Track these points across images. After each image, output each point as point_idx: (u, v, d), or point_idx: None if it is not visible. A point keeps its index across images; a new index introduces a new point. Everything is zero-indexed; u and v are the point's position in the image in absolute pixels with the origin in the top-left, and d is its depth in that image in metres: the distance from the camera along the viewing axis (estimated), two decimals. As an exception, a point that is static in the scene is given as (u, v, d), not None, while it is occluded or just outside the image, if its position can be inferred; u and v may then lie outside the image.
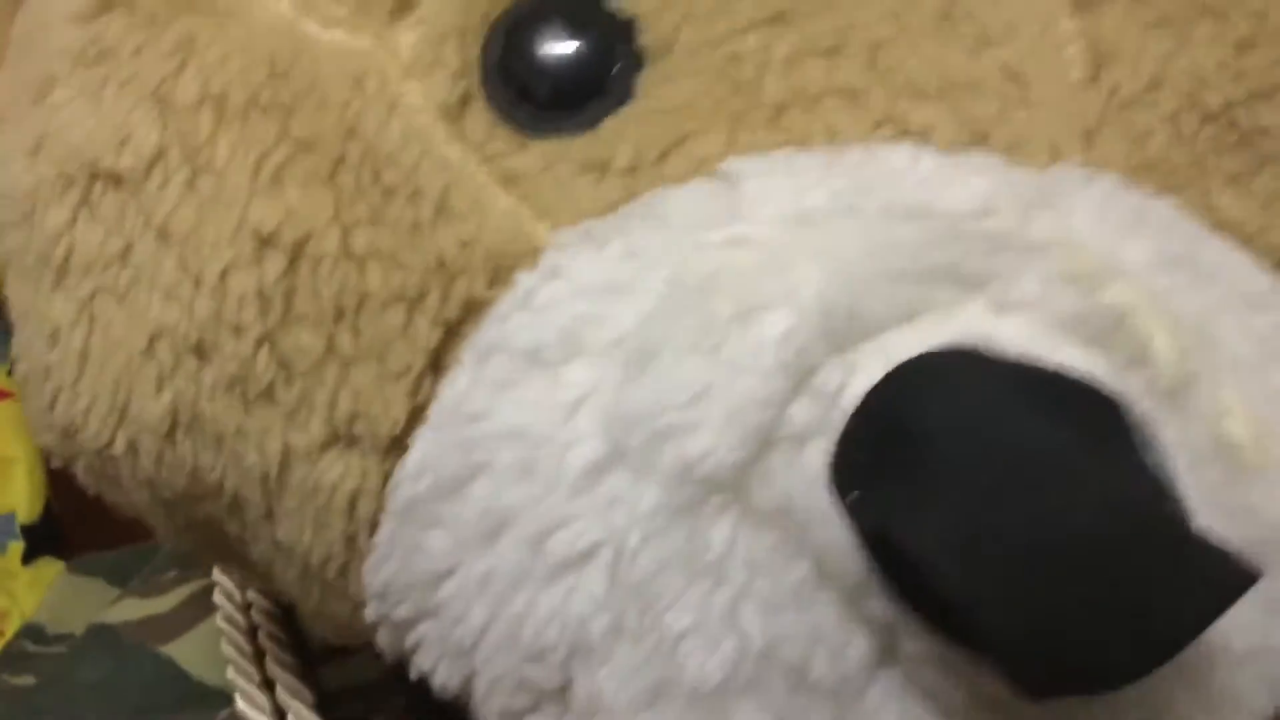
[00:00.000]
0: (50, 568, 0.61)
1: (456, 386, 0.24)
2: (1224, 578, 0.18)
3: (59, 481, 0.32)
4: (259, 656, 0.36)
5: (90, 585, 0.51)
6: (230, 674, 0.36)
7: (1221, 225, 0.25)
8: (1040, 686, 0.18)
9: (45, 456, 0.31)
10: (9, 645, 0.49)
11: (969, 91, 0.24)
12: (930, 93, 0.24)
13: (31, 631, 0.49)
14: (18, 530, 0.61)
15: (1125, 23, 0.25)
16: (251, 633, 0.37)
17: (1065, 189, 0.24)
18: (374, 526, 0.26)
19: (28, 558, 0.62)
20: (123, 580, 0.49)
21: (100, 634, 0.43)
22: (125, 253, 0.26)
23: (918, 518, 0.18)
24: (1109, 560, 0.17)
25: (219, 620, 0.38)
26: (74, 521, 0.62)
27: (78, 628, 0.47)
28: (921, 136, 0.24)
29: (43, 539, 0.62)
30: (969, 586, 0.18)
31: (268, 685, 0.35)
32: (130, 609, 0.44)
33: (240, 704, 0.34)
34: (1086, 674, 0.18)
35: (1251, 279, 0.24)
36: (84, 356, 0.27)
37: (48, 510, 0.62)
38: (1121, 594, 0.17)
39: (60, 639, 0.48)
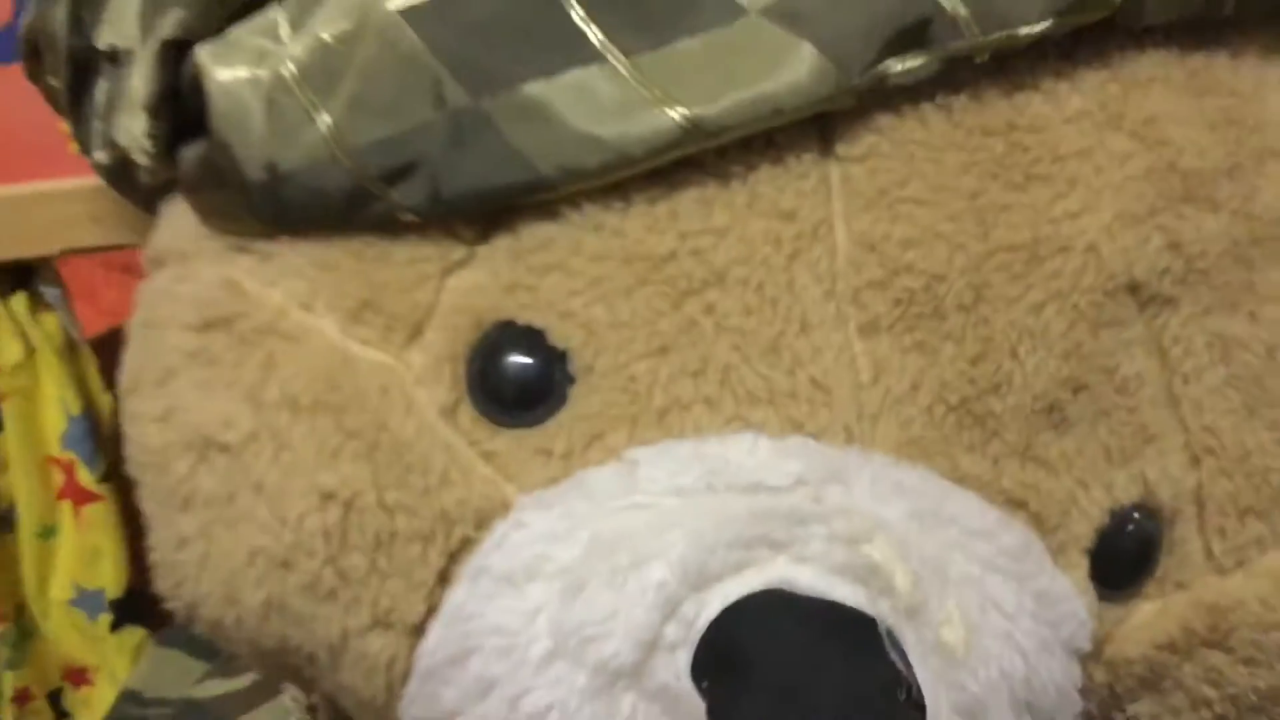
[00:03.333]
0: (134, 634, 0.73)
1: (457, 595, 0.36)
2: None
3: (141, 563, 0.42)
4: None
5: (172, 656, 0.63)
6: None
7: (963, 480, 0.36)
8: None
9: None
10: (114, 710, 0.61)
11: (789, 398, 0.35)
12: (763, 400, 0.35)
13: (130, 697, 0.61)
14: (107, 604, 0.72)
15: (893, 346, 0.35)
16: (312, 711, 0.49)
17: (852, 466, 0.35)
18: (405, 679, 0.37)
19: (115, 626, 0.73)
20: (198, 651, 0.61)
21: (191, 709, 0.55)
22: (231, 498, 0.37)
23: (738, 704, 0.31)
24: None
25: (286, 699, 0.50)
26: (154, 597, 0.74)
27: (168, 693, 0.59)
28: (758, 429, 0.35)
29: (128, 611, 0.73)
30: None
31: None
32: (214, 687, 0.56)
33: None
34: None
35: (981, 517, 0.35)
36: (203, 561, 0.38)
37: (131, 589, 0.73)
38: None
39: (156, 703, 0.60)
